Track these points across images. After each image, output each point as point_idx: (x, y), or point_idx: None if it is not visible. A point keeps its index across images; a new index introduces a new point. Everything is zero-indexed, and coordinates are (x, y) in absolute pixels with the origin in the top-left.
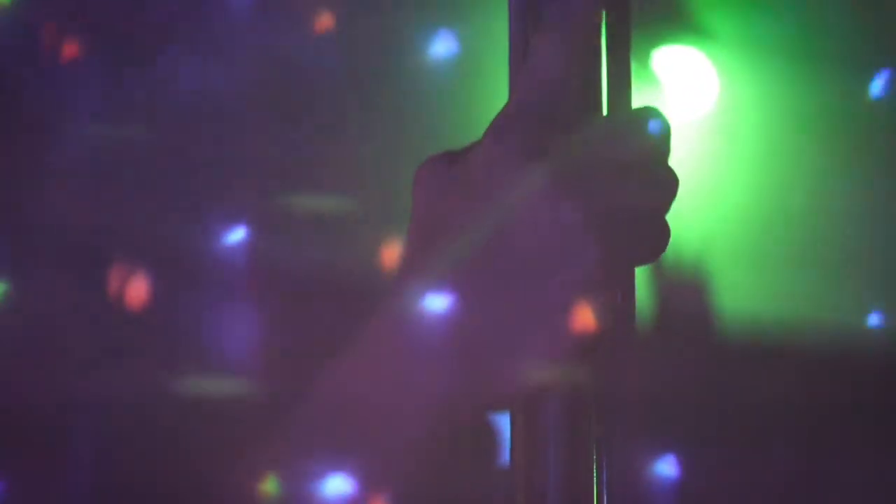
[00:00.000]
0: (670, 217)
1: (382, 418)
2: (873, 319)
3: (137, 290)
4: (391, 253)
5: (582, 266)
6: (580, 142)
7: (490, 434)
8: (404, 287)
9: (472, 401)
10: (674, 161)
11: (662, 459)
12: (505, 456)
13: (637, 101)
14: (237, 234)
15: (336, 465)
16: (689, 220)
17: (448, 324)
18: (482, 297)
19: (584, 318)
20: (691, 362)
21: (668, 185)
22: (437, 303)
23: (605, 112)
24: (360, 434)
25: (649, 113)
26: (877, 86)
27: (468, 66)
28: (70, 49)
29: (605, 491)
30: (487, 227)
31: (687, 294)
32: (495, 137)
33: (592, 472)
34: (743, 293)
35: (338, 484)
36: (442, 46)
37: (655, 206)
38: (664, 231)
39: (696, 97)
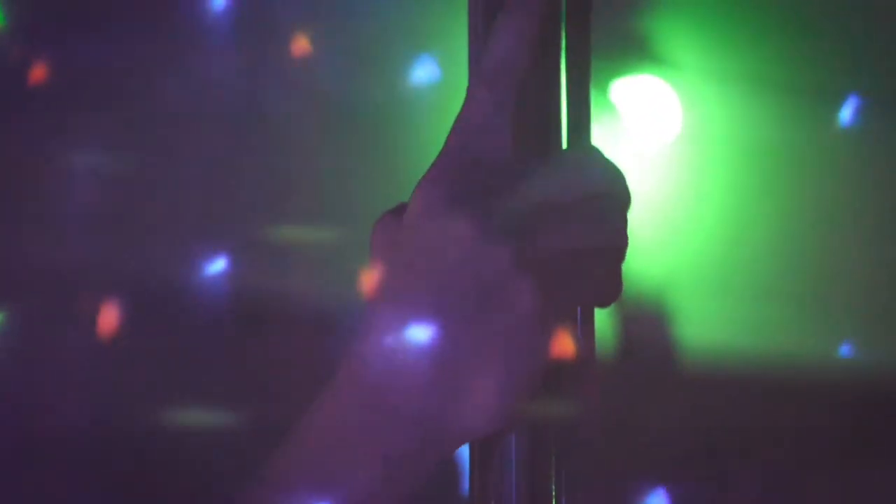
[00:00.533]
0: (633, 249)
1: (363, 456)
2: (844, 350)
3: (115, 320)
4: (369, 282)
5: (519, 307)
6: (510, 184)
7: (451, 465)
8: (368, 337)
9: (439, 435)
10: (634, 194)
11: (650, 493)
12: (464, 488)
13: (598, 133)
14: (218, 265)
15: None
16: (652, 250)
17: (406, 368)
18: (439, 340)
19: (562, 347)
20: (655, 393)
21: (610, 226)
22: (400, 345)
23: (565, 145)
24: (344, 473)
25: (585, 154)
26: (845, 115)
27: (451, 93)
28: (38, 73)
29: None
30: (427, 277)
31: (651, 325)
32: (422, 188)
33: None
34: (708, 324)
35: None
36: (424, 72)
37: (597, 248)
38: (612, 274)
39: (659, 127)
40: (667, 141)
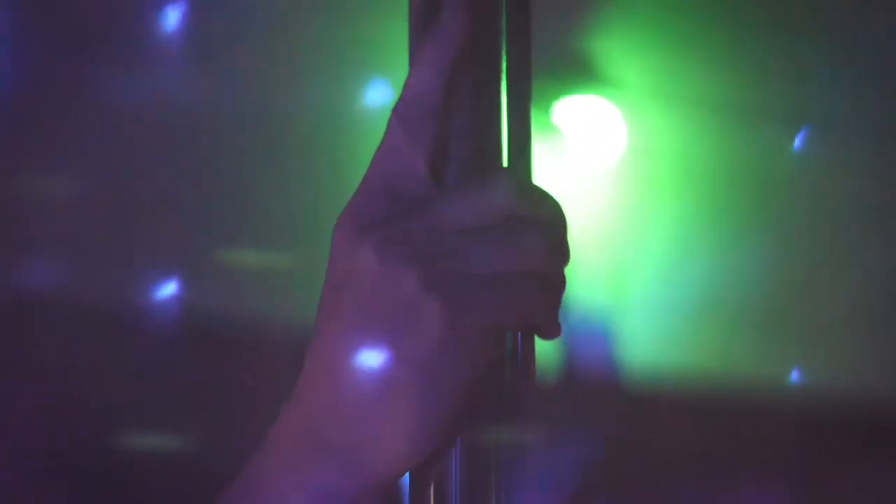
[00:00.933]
0: (580, 268)
1: (291, 488)
2: (793, 376)
3: (68, 345)
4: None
5: (430, 331)
6: (422, 210)
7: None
8: (304, 369)
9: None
10: (571, 216)
11: None
12: None
13: (542, 154)
14: (169, 289)
15: None
16: (598, 270)
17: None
18: (360, 371)
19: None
20: (600, 414)
21: (524, 249)
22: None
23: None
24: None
25: (500, 176)
26: (793, 140)
27: None
28: None
29: None
30: (345, 309)
31: (594, 346)
32: (338, 222)
33: None
34: (654, 345)
35: None
36: (377, 95)
37: (513, 272)
38: (541, 300)
39: (604, 147)
40: (612, 161)
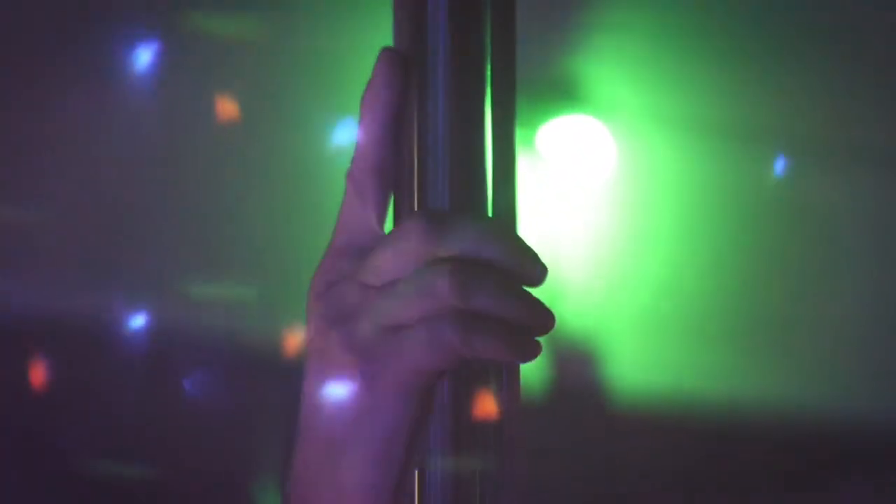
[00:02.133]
0: (566, 290)
1: None
2: (770, 390)
3: (42, 373)
4: (293, 338)
5: (353, 393)
6: (341, 271)
7: None
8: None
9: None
10: (560, 235)
11: None
12: None
13: (530, 176)
14: (138, 320)
15: None
16: (586, 291)
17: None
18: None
19: (481, 405)
20: (586, 435)
21: (424, 290)
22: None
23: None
24: None
25: (402, 223)
26: (779, 166)
27: None
28: None
29: None
30: (305, 377)
31: (581, 367)
32: (311, 281)
33: None
34: (640, 366)
35: None
36: (345, 134)
37: (422, 315)
38: (452, 334)
39: (593, 167)
40: (601, 179)
